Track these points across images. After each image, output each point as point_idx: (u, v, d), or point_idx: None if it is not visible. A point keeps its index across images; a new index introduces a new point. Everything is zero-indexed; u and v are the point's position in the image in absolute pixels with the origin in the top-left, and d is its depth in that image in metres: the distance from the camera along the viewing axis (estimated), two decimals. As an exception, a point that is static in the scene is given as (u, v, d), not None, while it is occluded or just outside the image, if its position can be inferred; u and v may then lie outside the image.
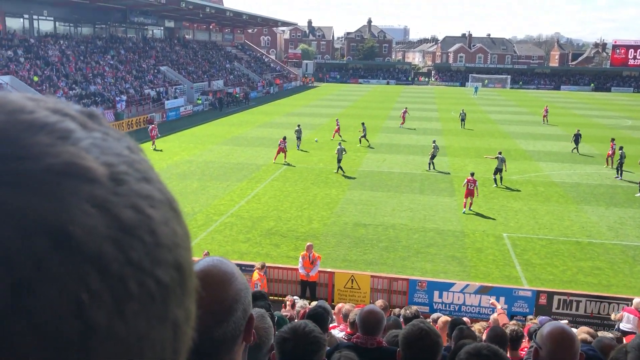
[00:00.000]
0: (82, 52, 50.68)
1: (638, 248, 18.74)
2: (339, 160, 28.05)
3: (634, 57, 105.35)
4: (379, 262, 17.13)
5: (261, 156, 32.25)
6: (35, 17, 50.12)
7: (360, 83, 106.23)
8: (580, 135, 35.16)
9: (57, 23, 53.30)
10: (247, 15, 79.95)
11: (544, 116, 50.56)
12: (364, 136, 36.65)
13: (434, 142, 29.90)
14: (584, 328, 8.03)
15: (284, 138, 30.76)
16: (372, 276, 14.93)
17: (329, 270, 15.21)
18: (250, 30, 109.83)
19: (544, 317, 9.92)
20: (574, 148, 34.94)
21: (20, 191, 0.34)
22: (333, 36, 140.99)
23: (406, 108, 48.86)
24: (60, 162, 0.36)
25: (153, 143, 33.47)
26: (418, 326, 3.34)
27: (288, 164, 29.96)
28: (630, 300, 12.42)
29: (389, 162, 31.56)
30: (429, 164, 29.29)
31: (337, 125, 38.70)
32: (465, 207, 22.29)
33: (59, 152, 0.36)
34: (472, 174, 22.76)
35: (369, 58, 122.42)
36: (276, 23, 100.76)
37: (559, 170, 30.24)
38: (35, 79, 40.57)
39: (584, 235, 19.91)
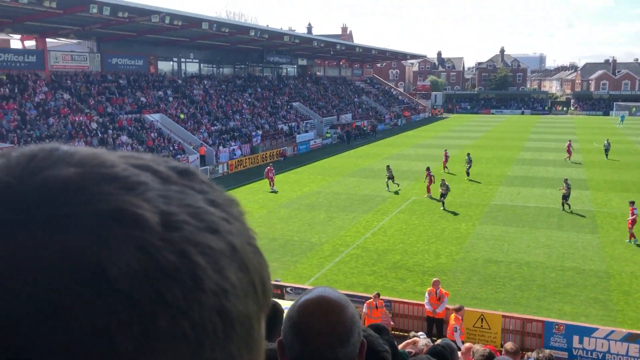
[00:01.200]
0: (223, 91, 54.50)
1: None
2: (443, 195, 26.93)
3: None
4: (511, 302, 16.19)
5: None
6: (182, 60, 54.92)
7: (493, 113, 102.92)
8: None
9: (201, 65, 57.94)
10: (376, 50, 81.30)
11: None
12: (469, 168, 34.79)
13: (566, 180, 26.71)
14: None
15: (428, 168, 30.19)
16: (503, 316, 14.12)
17: (456, 307, 14.65)
18: (378, 65, 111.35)
19: None
20: None
21: (68, 232, 0.40)
22: (463, 67, 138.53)
23: (570, 141, 44.52)
24: (109, 209, 0.42)
25: (271, 185, 32.02)
26: None
27: (432, 198, 29.36)
28: None
29: (524, 196, 30.00)
30: (562, 204, 26.36)
31: (445, 156, 37.43)
32: (631, 238, 21.37)
33: (113, 200, 0.42)
34: (632, 202, 21.75)
35: (502, 88, 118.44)
36: (405, 56, 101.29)
37: None
38: (182, 116, 44.20)
39: None
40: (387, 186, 31.36)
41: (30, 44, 41.36)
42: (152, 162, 0.48)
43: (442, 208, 26.82)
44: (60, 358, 0.38)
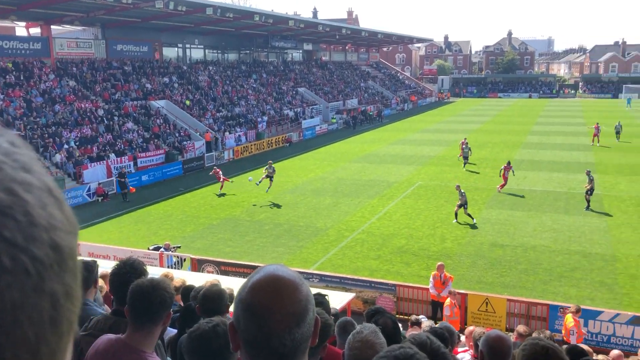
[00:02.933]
0: (228, 77, 54.30)
1: None
2: (460, 206, 22.12)
3: None
4: (517, 285, 16.17)
5: (393, 173, 32.11)
6: (187, 45, 54.72)
7: (500, 97, 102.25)
8: None
9: (206, 50, 57.70)
10: (382, 34, 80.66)
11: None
12: (466, 156, 33.07)
13: (589, 173, 24.15)
14: None
15: (509, 162, 27.54)
16: (508, 300, 14.12)
17: (461, 291, 14.60)
18: (385, 49, 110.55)
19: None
20: None
21: None
22: (470, 50, 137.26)
23: (597, 123, 42.58)
24: None
25: (220, 188, 28.34)
26: (541, 344, 2.90)
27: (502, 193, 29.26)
28: None
29: (530, 180, 29.85)
30: (587, 201, 23.57)
31: (462, 144, 34.24)
32: None
33: None
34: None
35: (509, 71, 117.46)
36: (411, 40, 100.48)
37: None
38: (187, 102, 44.11)
39: None
40: (259, 181, 27.46)
41: (35, 31, 41.30)
42: None
43: (454, 220, 22.23)
44: None
